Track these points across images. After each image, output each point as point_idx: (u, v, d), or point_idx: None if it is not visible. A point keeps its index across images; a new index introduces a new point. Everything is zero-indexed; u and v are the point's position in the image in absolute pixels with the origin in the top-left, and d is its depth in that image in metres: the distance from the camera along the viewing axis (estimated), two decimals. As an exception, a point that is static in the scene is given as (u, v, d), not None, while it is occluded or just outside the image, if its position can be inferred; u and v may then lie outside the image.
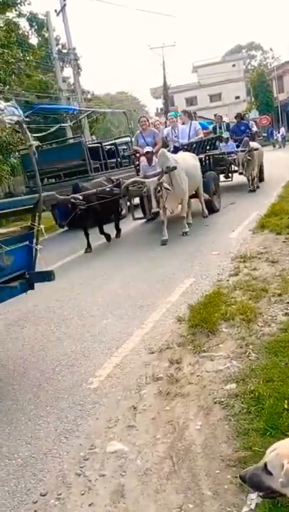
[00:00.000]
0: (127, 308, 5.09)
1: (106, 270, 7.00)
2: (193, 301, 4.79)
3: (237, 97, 51.09)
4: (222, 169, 12.23)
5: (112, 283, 6.18)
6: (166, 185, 7.67)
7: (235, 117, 14.13)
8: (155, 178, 7.69)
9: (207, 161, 10.67)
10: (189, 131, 9.95)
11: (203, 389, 3.22)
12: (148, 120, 10.13)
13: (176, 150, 9.58)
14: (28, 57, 20.80)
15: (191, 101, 51.83)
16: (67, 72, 29.69)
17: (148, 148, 8.89)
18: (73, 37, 30.67)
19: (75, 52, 24.99)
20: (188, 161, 8.70)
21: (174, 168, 7.81)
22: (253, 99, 45.22)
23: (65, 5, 22.37)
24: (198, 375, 3.42)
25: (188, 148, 9.66)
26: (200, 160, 9.69)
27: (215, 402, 3.03)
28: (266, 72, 45.27)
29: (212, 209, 9.86)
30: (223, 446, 2.60)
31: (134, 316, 4.85)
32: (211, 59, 52.52)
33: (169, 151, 9.06)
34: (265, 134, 38.52)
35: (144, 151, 8.93)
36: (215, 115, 15.61)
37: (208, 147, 11.26)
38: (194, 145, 9.93)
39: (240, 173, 11.49)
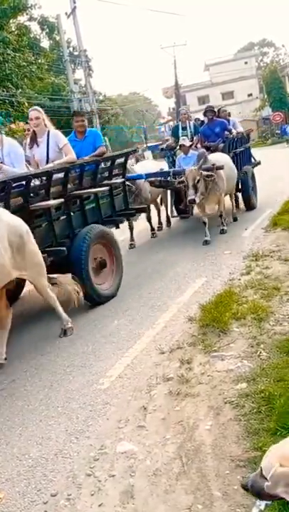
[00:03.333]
0: (138, 309, 5.09)
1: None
2: (204, 301, 4.76)
3: (250, 95, 50.71)
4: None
5: (122, 283, 6.18)
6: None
7: (205, 113, 9.15)
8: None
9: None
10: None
11: (214, 389, 3.20)
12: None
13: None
14: (39, 61, 21.06)
15: (203, 99, 51.54)
16: (79, 74, 29.89)
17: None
18: (84, 39, 30.87)
19: (86, 54, 25.13)
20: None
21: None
22: (265, 96, 44.80)
23: (75, 7, 22.49)
24: (208, 375, 3.40)
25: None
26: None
27: (225, 402, 3.01)
28: (279, 68, 44.81)
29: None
30: (233, 447, 2.58)
31: (146, 316, 4.85)
32: (222, 57, 52.23)
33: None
34: (278, 132, 38.20)
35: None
36: (178, 113, 10.55)
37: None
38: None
39: (192, 202, 7.21)
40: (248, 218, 8.76)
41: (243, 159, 9.69)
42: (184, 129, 9.24)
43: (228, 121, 9.63)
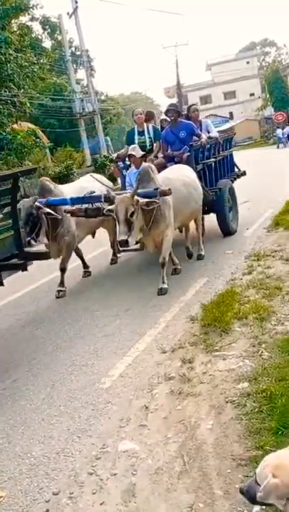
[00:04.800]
0: (140, 308, 5.09)
1: (119, 270, 7.02)
2: (206, 301, 4.77)
3: (252, 94, 50.69)
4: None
5: (124, 283, 6.20)
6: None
7: (166, 112, 7.40)
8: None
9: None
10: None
11: (215, 388, 3.21)
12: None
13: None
14: (41, 61, 21.05)
15: (205, 99, 51.58)
16: (81, 73, 29.93)
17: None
18: (86, 39, 30.90)
19: (88, 54, 25.17)
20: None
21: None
22: (268, 95, 44.75)
23: (77, 7, 22.55)
24: (210, 375, 3.40)
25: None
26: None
27: (227, 402, 3.02)
28: (281, 68, 44.76)
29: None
30: (235, 446, 2.59)
31: (147, 315, 4.86)
32: (224, 56, 52.19)
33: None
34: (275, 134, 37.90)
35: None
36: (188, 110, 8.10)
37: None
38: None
39: (123, 245, 5.20)
40: (248, 218, 8.74)
41: (219, 171, 7.86)
42: (141, 133, 7.05)
43: (200, 123, 7.73)
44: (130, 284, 6.10)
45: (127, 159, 6.91)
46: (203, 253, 6.62)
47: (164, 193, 5.26)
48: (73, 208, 5.85)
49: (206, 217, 7.56)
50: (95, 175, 7.36)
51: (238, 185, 8.62)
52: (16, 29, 17.39)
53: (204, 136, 7.13)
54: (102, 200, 5.68)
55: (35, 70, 17.81)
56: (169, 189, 5.26)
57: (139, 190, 5.24)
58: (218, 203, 7.32)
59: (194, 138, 7.01)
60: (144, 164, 5.74)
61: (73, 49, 28.77)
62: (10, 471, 2.79)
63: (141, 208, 5.14)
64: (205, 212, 7.23)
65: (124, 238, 5.02)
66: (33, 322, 5.39)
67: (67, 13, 23.51)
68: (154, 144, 7.00)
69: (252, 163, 13.68)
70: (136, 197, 5.14)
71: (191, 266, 6.35)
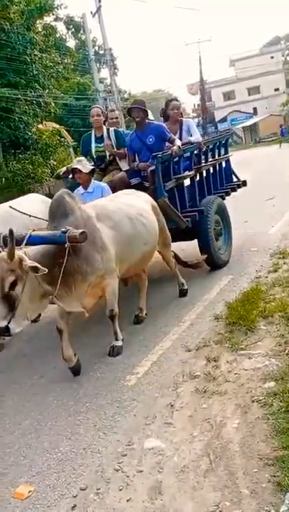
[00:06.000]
0: (164, 307, 5.10)
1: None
2: (230, 299, 4.74)
3: (276, 89, 49.89)
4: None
5: (149, 281, 6.20)
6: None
7: (129, 111, 5.63)
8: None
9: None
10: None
11: (241, 387, 3.19)
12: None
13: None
14: (65, 61, 21.22)
15: (228, 95, 51.14)
16: (104, 72, 30.07)
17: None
18: (109, 37, 30.98)
19: (111, 52, 25.23)
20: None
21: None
22: (292, 90, 44.10)
23: (100, 6, 22.61)
24: (235, 373, 3.39)
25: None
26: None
27: (253, 401, 3.00)
28: (306, 62, 44.04)
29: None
30: (261, 445, 2.58)
31: (171, 314, 4.86)
32: (248, 52, 51.55)
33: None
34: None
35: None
36: (204, 108, 6.89)
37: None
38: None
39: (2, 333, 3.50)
40: (274, 215, 8.63)
41: (206, 186, 6.25)
42: (100, 139, 5.60)
43: (180, 124, 6.01)
44: (153, 282, 6.11)
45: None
46: (186, 287, 5.32)
47: (75, 239, 3.52)
48: None
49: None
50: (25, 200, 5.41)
51: (263, 182, 8.45)
52: (40, 29, 17.53)
53: (178, 142, 5.38)
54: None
55: (59, 70, 17.97)
56: (82, 233, 3.54)
57: (38, 233, 3.68)
58: (200, 227, 5.67)
59: (168, 144, 5.48)
60: (59, 192, 3.94)
61: (96, 48, 28.93)
62: (38, 465, 2.85)
63: (32, 268, 3.28)
64: (184, 238, 5.92)
65: (2, 325, 3.31)
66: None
67: (91, 13, 23.60)
68: (121, 150, 5.62)
69: (276, 159, 13.45)
70: (19, 255, 3.34)
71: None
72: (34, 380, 4.03)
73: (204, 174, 6.31)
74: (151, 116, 6.10)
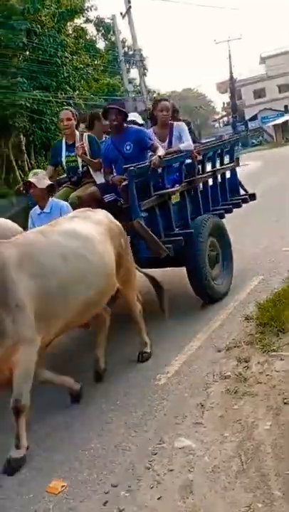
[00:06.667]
0: (193, 307, 5.08)
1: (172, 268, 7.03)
2: (261, 299, 4.69)
3: (309, 86, 48.88)
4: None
5: (179, 280, 6.20)
6: None
7: (104, 114, 4.80)
8: None
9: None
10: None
11: (273, 389, 3.17)
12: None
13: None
14: (95, 62, 21.42)
15: (259, 93, 50.36)
16: (134, 73, 30.13)
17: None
18: (139, 37, 30.99)
19: (140, 53, 25.27)
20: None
21: None
22: None
23: (130, 7, 22.67)
24: (267, 375, 3.36)
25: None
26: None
27: (285, 403, 2.97)
28: None
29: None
30: (294, 448, 2.55)
31: (201, 314, 4.85)
32: (279, 49, 50.65)
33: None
34: None
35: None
36: (234, 106, 5.75)
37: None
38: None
39: None
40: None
41: (201, 202, 5.23)
42: (71, 147, 4.83)
43: (170, 128, 5.03)
44: (183, 281, 6.09)
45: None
46: (148, 350, 4.06)
47: None
48: None
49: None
50: None
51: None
52: (71, 32, 17.80)
53: (160, 151, 4.47)
54: None
55: (89, 71, 18.21)
56: None
57: None
58: (188, 252, 4.72)
59: (150, 154, 4.61)
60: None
61: (126, 49, 29.03)
62: (70, 461, 2.89)
63: None
64: (168, 264, 4.94)
65: None
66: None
67: (121, 14, 23.70)
68: (95, 160, 4.77)
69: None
70: None
71: (245, 264, 6.24)
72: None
73: (200, 188, 5.29)
74: (139, 120, 5.63)
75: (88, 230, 3.51)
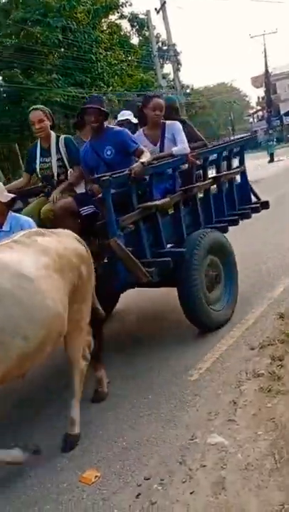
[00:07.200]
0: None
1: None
2: (296, 298, 4.62)
3: None
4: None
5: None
6: None
7: (80, 115, 4.42)
8: None
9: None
10: None
11: (308, 388, 3.12)
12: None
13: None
14: (129, 58, 21.46)
15: (294, 87, 49.20)
16: (167, 68, 30.00)
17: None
18: (173, 32, 30.85)
19: (174, 48, 25.13)
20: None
21: None
22: None
23: (164, 2, 22.57)
24: (302, 374, 3.31)
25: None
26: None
27: None
28: None
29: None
30: None
31: (235, 312, 4.79)
32: (317, 41, 49.36)
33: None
34: None
35: None
36: (269, 101, 5.06)
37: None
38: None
39: None
40: None
41: (202, 215, 4.59)
42: (46, 153, 4.19)
43: (162, 129, 4.39)
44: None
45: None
46: (76, 432, 3.11)
47: None
48: None
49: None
50: None
51: None
52: (105, 28, 17.91)
53: (145, 157, 3.88)
54: None
55: (123, 67, 18.27)
56: None
57: None
58: (180, 275, 4.11)
59: (135, 159, 4.01)
60: None
61: (160, 44, 28.92)
62: (103, 452, 2.94)
63: None
64: (157, 284, 4.11)
65: None
66: (121, 314, 5.55)
67: (155, 9, 23.63)
68: (70, 171, 4.17)
69: None
70: None
71: (280, 261, 6.15)
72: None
73: (200, 197, 4.64)
74: (133, 120, 4.96)
75: (29, 257, 2.72)
